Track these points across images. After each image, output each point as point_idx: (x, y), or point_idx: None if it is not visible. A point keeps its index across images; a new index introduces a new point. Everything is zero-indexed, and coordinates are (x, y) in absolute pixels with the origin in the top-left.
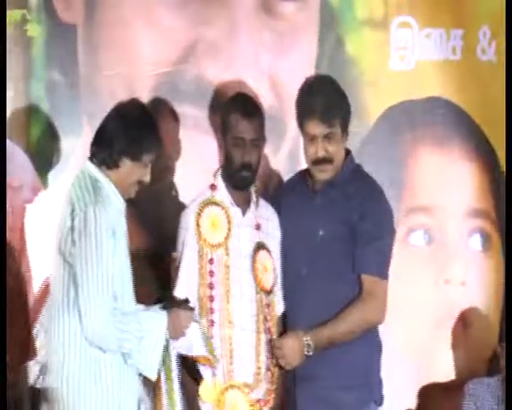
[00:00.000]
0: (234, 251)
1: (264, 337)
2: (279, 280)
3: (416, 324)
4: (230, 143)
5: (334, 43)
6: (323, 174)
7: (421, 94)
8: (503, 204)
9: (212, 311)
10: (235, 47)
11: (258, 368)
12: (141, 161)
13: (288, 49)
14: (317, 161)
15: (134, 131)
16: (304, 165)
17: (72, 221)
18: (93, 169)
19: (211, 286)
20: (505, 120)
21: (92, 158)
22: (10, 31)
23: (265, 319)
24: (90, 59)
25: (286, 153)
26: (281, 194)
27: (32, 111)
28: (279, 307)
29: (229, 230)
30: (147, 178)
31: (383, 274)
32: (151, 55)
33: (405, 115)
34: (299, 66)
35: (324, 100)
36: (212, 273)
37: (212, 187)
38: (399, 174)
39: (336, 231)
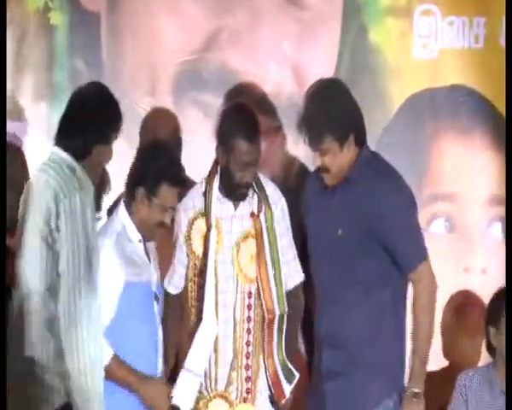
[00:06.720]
0: (224, 244)
1: (246, 327)
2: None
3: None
4: (234, 164)
5: (357, 32)
6: (327, 180)
7: (444, 82)
8: None
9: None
10: (258, 36)
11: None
12: (111, 142)
13: (311, 38)
14: (318, 169)
15: (103, 117)
16: None
17: (56, 207)
18: (67, 157)
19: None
20: None
21: (61, 146)
22: (32, 19)
23: (248, 308)
24: (114, 47)
25: None
26: (302, 189)
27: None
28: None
29: (218, 242)
30: (111, 155)
31: (424, 255)
32: (174, 44)
33: (428, 103)
34: (322, 55)
35: (312, 119)
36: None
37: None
38: (421, 162)
39: (354, 229)
